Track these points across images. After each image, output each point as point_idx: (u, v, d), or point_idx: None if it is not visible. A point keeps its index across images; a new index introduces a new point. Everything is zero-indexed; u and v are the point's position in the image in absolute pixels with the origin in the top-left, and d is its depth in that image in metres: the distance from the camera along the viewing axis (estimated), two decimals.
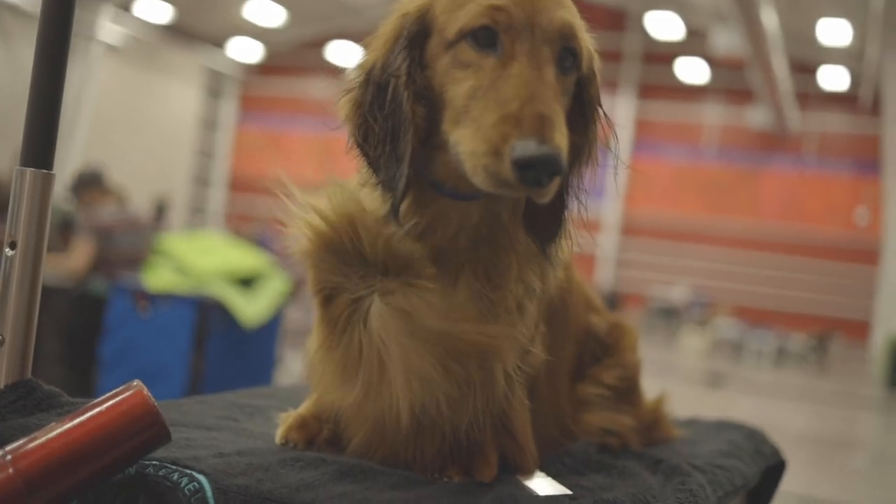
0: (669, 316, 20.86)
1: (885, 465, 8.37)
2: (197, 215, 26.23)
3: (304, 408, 1.37)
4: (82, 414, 1.07)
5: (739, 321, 18.96)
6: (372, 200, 1.21)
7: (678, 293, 21.73)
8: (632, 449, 1.54)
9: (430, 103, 1.13)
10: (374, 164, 1.16)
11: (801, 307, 21.53)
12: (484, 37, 1.08)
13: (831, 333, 18.61)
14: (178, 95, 25.07)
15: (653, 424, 1.67)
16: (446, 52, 1.11)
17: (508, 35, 1.07)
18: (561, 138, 1.00)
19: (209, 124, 26.65)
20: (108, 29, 20.35)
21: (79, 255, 5.12)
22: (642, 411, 1.63)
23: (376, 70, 1.16)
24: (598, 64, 1.23)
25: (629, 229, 23.40)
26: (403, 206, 1.17)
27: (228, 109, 27.10)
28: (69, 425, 1.05)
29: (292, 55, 25.65)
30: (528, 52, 1.06)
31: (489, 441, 1.28)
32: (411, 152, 1.11)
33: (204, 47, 24.84)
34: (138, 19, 21.81)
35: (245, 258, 5.18)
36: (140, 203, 19.24)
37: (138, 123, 23.35)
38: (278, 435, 1.34)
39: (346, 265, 1.21)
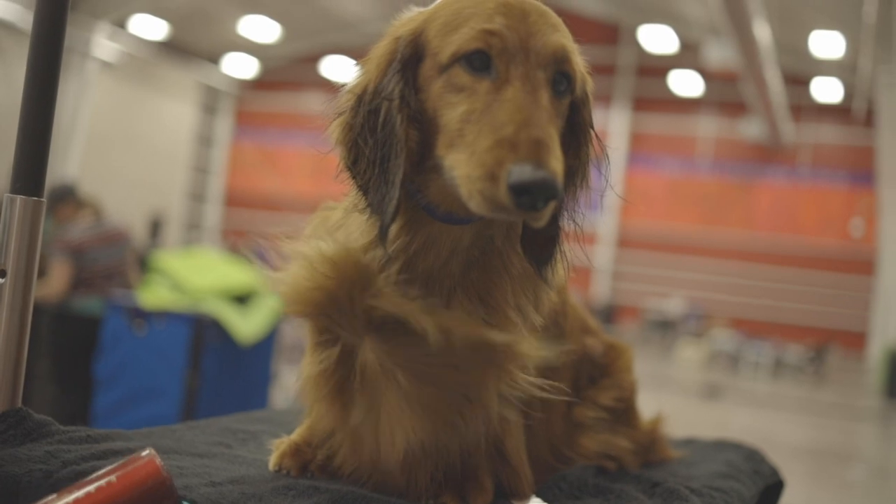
0: (666, 328, 20.85)
1: (884, 477, 8.34)
2: (193, 231, 26.20)
3: (297, 434, 1.36)
4: (91, 483, 1.02)
5: (736, 333, 18.96)
6: (359, 227, 1.20)
7: (674, 305, 21.73)
8: (629, 471, 1.53)
9: (423, 127, 1.13)
10: (363, 188, 1.16)
11: (798, 318, 21.54)
12: (478, 60, 1.07)
13: (828, 344, 18.60)
14: (174, 111, 25.09)
15: (650, 445, 1.65)
16: (440, 75, 1.10)
17: (502, 59, 1.07)
18: (556, 163, 1.00)
19: (204, 140, 26.67)
20: (104, 46, 20.38)
21: (56, 278, 5.03)
22: (639, 432, 1.61)
23: (368, 93, 1.15)
24: (590, 86, 1.23)
25: (625, 242, 23.42)
26: (394, 229, 1.16)
27: (223, 125, 27.12)
28: (77, 495, 1.01)
29: (287, 70, 25.72)
30: (523, 75, 1.06)
31: (484, 466, 1.26)
32: (403, 175, 1.11)
33: (199, 63, 24.88)
34: (133, 36, 21.85)
35: (240, 275, 5.16)
36: (135, 220, 19.26)
37: (133, 140, 23.36)
38: (272, 462, 1.33)
39: (337, 307, 1.20)
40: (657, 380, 13.46)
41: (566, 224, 1.21)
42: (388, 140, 1.11)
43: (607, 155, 1.25)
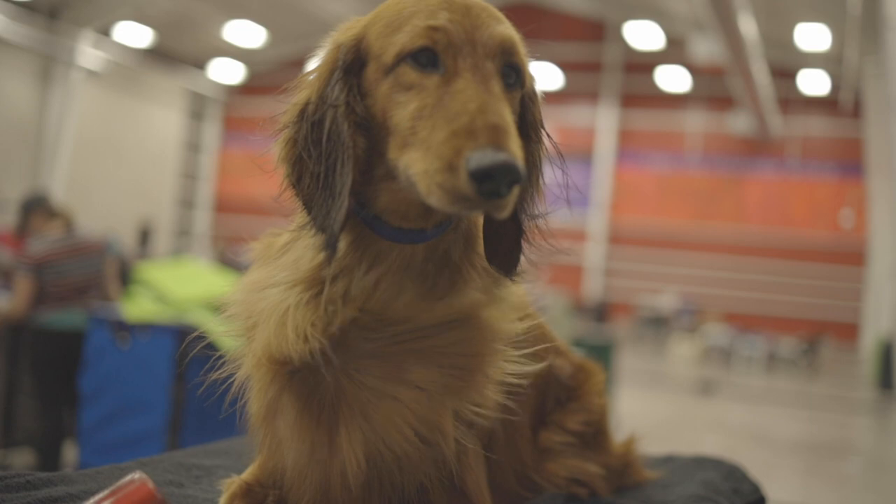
0: (659, 325, 20.83)
1: (880, 469, 8.34)
2: (182, 238, 26.12)
3: (248, 473, 1.30)
4: None
5: (729, 327, 18.95)
6: (307, 249, 1.15)
7: (667, 301, 21.72)
8: (601, 497, 1.47)
9: (371, 132, 1.09)
10: (307, 204, 1.11)
11: (790, 311, 21.56)
12: (424, 57, 1.05)
13: (821, 337, 18.61)
14: (161, 119, 24.99)
15: (623, 469, 1.59)
16: (386, 77, 1.07)
17: (449, 53, 1.04)
18: (516, 146, 0.97)
19: (192, 146, 26.57)
20: (88, 54, 20.27)
21: (18, 294, 4.91)
22: (611, 456, 1.55)
23: (310, 105, 1.12)
24: (537, 86, 1.20)
25: (616, 238, 23.41)
26: (340, 248, 1.11)
27: (211, 131, 27.03)
28: None
29: (274, 75, 25.61)
30: (472, 67, 1.03)
31: (441, 502, 1.21)
32: (352, 184, 1.07)
33: (185, 70, 24.78)
34: (118, 44, 21.73)
35: (225, 284, 5.10)
36: (124, 228, 19.15)
37: (121, 148, 23.25)
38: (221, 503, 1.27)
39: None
40: (651, 377, 13.45)
41: (526, 224, 1.17)
42: (335, 149, 1.08)
43: (561, 154, 1.21)
